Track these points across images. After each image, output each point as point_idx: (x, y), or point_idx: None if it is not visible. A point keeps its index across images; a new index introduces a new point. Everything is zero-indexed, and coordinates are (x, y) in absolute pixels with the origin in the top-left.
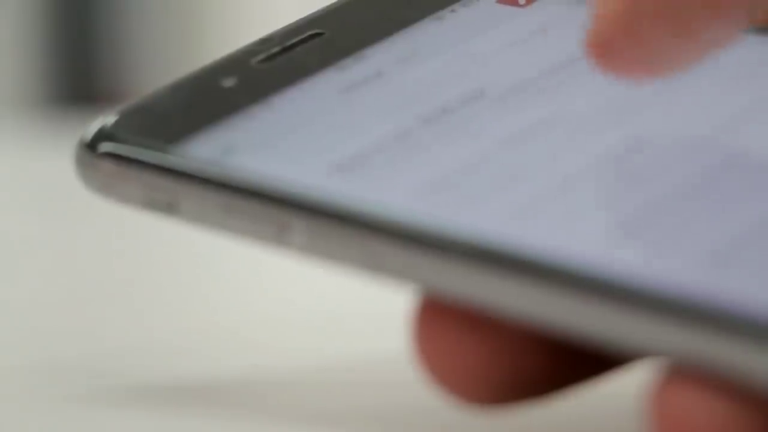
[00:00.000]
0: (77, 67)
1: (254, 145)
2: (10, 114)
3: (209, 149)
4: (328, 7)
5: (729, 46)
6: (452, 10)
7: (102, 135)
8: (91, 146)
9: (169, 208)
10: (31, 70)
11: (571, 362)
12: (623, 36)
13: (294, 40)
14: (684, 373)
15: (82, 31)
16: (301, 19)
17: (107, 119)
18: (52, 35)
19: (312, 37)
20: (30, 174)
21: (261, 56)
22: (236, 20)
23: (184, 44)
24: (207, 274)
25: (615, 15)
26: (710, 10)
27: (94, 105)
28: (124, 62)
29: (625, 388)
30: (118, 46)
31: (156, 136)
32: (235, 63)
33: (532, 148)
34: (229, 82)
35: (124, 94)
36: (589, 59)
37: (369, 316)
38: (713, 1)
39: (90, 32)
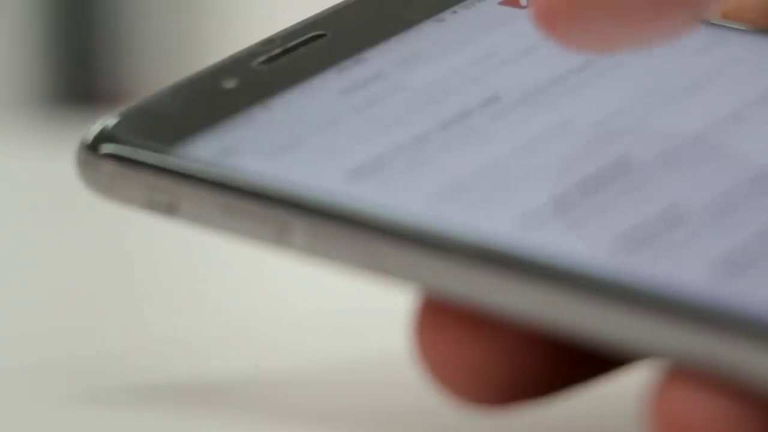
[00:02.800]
0: (77, 67)
1: (255, 146)
2: (10, 114)
3: (210, 150)
4: (329, 8)
5: (677, 37)
6: (454, 12)
7: (103, 136)
8: (92, 147)
9: (169, 209)
10: (31, 70)
11: (572, 363)
12: (566, 7)
13: (295, 42)
14: (684, 374)
15: (82, 31)
16: (302, 21)
17: (109, 120)
18: (52, 35)
19: (313, 38)
20: (30, 174)
21: (262, 58)
22: (237, 21)
23: (185, 44)
24: (207, 274)
25: None
26: (654, 6)
27: (94, 105)
28: (124, 62)
29: (625, 389)
30: (118, 46)
31: (157, 137)
32: (237, 64)
33: (535, 150)
34: (230, 84)
35: (125, 93)
36: (533, 22)
37: (369, 316)
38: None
39: (90, 32)
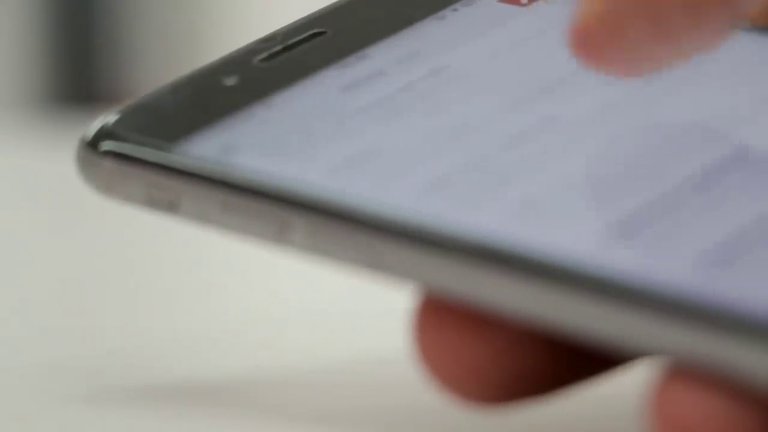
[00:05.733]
0: (77, 67)
1: (255, 143)
2: (10, 114)
3: (210, 147)
4: (330, 6)
5: (713, 47)
6: (454, 9)
7: (103, 133)
8: (92, 144)
9: (170, 206)
10: (31, 70)
11: (572, 361)
12: (604, 32)
13: (296, 39)
14: (684, 373)
15: (82, 31)
16: (303, 18)
17: (109, 117)
18: (52, 35)
19: (314, 36)
20: (30, 174)
21: (263, 55)
22: (237, 20)
23: (185, 44)
24: (208, 274)
25: (598, 11)
26: (691, 13)
27: (94, 105)
28: (124, 62)
29: (625, 388)
30: (118, 46)
31: (157, 134)
32: (237, 61)
33: (533, 146)
34: (230, 81)
35: (124, 94)
36: (572, 51)
37: (369, 316)
38: (693, 5)
39: (90, 32)
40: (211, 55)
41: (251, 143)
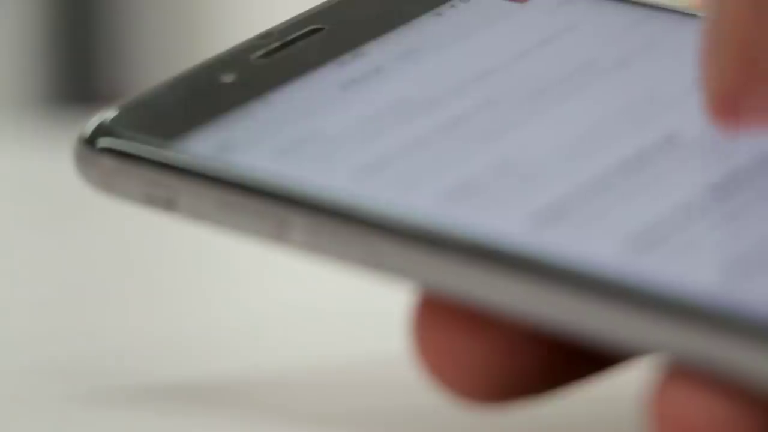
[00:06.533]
0: (77, 67)
1: (253, 141)
2: (10, 114)
3: (209, 145)
4: (327, 2)
5: None
6: (452, 6)
7: (101, 130)
8: (90, 141)
9: (168, 204)
10: (31, 70)
11: (570, 359)
12: (744, 93)
13: (293, 36)
14: (684, 373)
15: (82, 30)
16: (300, 15)
17: (106, 114)
18: (52, 35)
19: (312, 32)
20: (29, 174)
21: (260, 52)
22: (237, 22)
23: (185, 44)
24: (208, 274)
25: (730, 77)
26: None
27: (94, 105)
28: (124, 62)
29: (625, 388)
30: (118, 46)
31: (155, 131)
32: (235, 58)
33: (534, 146)
34: (228, 78)
35: (124, 94)
36: (714, 121)
37: (369, 314)
38: None
39: (90, 32)
40: (210, 55)
41: (249, 141)
